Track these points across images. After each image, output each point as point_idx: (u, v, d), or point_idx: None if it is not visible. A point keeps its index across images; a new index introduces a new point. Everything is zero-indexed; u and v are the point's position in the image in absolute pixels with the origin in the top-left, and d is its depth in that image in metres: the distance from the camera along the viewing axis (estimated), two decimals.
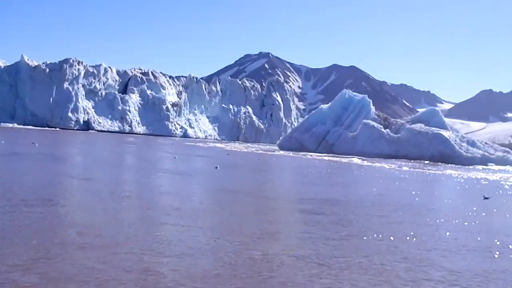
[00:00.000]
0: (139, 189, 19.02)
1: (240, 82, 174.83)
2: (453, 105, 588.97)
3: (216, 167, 31.80)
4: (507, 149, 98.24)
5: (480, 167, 74.35)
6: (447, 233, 13.35)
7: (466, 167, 70.99)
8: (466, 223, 15.55)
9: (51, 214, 11.94)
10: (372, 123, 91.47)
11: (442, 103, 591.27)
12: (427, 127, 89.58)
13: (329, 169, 42.91)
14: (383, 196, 22.33)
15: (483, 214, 18.22)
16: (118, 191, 17.94)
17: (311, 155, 72.05)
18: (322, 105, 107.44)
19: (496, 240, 12.70)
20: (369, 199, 20.72)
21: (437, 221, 15.62)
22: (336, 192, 22.84)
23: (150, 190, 19.06)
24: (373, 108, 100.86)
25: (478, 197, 24.62)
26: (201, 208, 14.98)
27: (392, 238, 11.93)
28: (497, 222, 16.63)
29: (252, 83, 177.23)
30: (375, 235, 12.10)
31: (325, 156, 73.17)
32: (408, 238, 12.10)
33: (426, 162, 76.74)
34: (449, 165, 73.33)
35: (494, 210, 19.95)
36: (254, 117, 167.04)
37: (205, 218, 13.17)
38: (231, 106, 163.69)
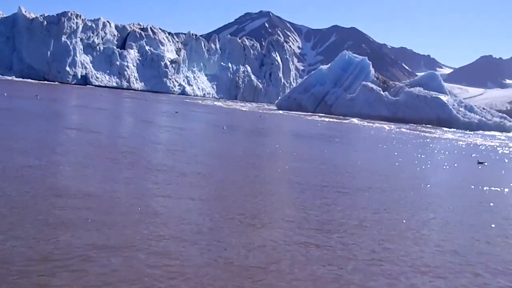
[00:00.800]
0: (148, 146, 19.44)
1: (239, 41, 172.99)
2: (452, 70, 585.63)
3: (223, 128, 32.17)
4: (504, 115, 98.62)
5: (477, 132, 74.89)
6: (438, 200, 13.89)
7: (463, 131, 71.53)
8: (458, 191, 16.10)
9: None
10: (371, 85, 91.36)
11: (442, 68, 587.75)
12: (426, 91, 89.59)
13: (336, 131, 43.35)
14: (390, 165, 22.81)
15: (475, 179, 18.76)
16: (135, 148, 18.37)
17: (311, 116, 72.36)
18: (321, 66, 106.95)
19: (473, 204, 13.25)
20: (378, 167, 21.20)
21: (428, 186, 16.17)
22: (348, 159, 23.31)
23: (154, 144, 19.50)
24: (372, 70, 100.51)
25: (473, 162, 25.16)
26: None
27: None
28: (483, 189, 17.14)
29: (252, 42, 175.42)
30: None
31: (325, 117, 73.50)
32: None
33: (423, 125, 77.15)
34: (446, 129, 73.81)
35: (486, 176, 20.48)
36: (252, 76, 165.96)
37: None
38: (230, 65, 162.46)
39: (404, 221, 10.33)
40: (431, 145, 37.15)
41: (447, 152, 31.58)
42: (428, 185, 15.55)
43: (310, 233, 8.70)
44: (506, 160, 29.65)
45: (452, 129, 74.50)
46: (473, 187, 16.18)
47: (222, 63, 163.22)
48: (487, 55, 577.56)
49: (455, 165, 23.91)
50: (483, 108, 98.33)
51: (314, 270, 7.05)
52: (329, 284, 6.67)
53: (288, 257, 7.44)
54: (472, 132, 72.62)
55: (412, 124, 76.50)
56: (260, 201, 11.02)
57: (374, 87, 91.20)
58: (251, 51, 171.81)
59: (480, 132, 76.45)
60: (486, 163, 24.76)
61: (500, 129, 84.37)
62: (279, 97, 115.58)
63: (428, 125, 78.44)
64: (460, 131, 72.96)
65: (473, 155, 29.25)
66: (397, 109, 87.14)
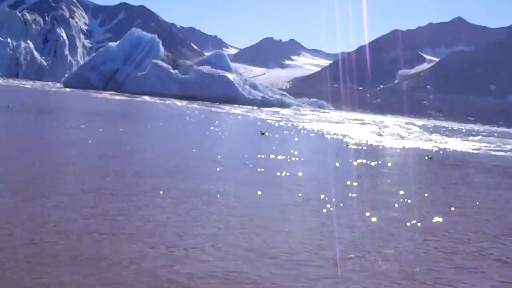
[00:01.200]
0: None
1: (19, 15, 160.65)
2: (238, 51, 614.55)
3: (8, 106, 29.70)
4: (284, 92, 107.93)
5: (262, 108, 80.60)
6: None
7: (249, 107, 76.42)
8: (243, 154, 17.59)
9: None
10: (161, 63, 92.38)
11: (228, 48, 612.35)
12: (214, 69, 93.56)
13: (129, 108, 43.05)
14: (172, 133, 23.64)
15: (256, 144, 20.67)
16: None
17: (101, 94, 70.61)
18: (110, 43, 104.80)
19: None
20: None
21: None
22: (144, 135, 23.54)
23: None
24: (162, 49, 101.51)
25: (257, 133, 27.60)
26: None
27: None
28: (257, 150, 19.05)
29: (34, 17, 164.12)
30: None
31: (115, 95, 72.33)
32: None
33: (212, 103, 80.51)
34: (234, 105, 78.11)
35: (265, 141, 22.70)
36: (35, 53, 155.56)
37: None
38: (9, 40, 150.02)
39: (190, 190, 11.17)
40: (220, 120, 39.29)
41: (236, 125, 33.80)
42: (219, 156, 16.70)
43: (107, 198, 9.02)
44: (293, 132, 32.91)
45: (239, 106, 79.11)
46: (260, 156, 17.78)
47: (0, 38, 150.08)
48: (268, 37, 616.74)
49: (244, 137, 25.85)
50: (266, 86, 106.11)
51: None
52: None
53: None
54: (257, 108, 77.98)
55: (202, 102, 79.32)
56: (57, 175, 10.97)
57: (164, 65, 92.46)
58: (34, 26, 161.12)
59: (265, 108, 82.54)
60: (267, 134, 27.23)
61: (281, 105, 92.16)
62: (66, 75, 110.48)
63: (216, 102, 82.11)
64: (247, 107, 77.86)
65: (257, 128, 31.81)
66: (187, 87, 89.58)
